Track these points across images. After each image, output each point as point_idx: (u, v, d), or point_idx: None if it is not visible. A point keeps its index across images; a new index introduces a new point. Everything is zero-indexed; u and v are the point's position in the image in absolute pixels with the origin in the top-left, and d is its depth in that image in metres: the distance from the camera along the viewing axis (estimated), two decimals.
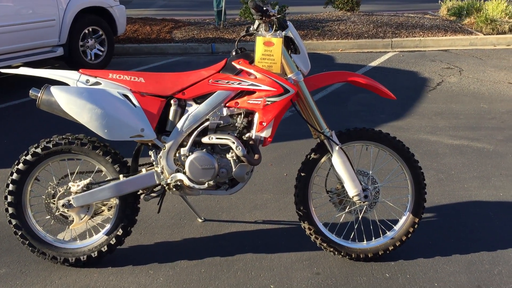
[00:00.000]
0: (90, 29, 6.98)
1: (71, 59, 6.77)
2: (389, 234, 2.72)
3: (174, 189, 2.56)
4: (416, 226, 2.67)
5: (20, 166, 2.57)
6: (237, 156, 2.52)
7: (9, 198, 2.59)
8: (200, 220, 3.14)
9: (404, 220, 2.70)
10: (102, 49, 7.18)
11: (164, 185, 2.58)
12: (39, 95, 2.51)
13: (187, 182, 2.53)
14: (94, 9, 6.98)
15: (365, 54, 7.96)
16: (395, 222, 2.78)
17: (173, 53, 8.37)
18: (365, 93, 5.69)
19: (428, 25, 9.27)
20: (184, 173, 2.54)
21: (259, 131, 2.49)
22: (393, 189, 3.42)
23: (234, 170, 2.52)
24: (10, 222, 2.62)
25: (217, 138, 2.51)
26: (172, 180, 2.55)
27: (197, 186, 2.54)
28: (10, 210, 2.61)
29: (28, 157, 2.57)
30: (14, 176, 2.57)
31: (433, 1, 12.68)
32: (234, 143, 2.48)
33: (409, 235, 2.68)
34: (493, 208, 3.25)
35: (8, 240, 2.92)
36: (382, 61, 7.46)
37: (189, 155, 2.53)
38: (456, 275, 2.59)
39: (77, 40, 6.76)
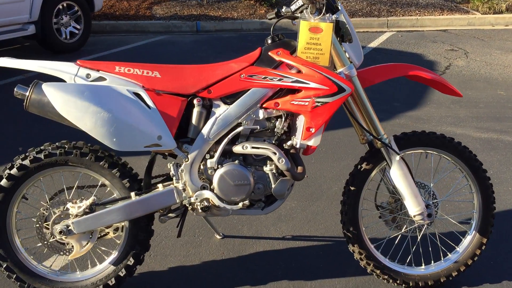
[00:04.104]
0: (65, 5, 6.30)
1: (44, 38, 6.10)
2: (452, 256, 2.31)
3: (200, 210, 2.07)
4: (483, 247, 2.27)
5: (3, 182, 2.03)
6: (277, 169, 2.05)
7: None
8: (218, 237, 2.67)
9: (470, 240, 2.28)
10: (78, 26, 6.51)
11: (187, 205, 2.09)
12: (27, 94, 1.97)
13: (216, 201, 2.05)
14: None
15: (362, 34, 7.50)
16: (457, 241, 2.37)
17: (155, 31, 7.73)
18: None
19: (423, 3, 8.86)
20: (212, 190, 2.06)
21: (306, 138, 2.01)
22: (450, 203, 2.98)
23: (274, 186, 2.04)
24: None
25: (253, 148, 2.02)
26: (197, 199, 2.06)
27: (228, 206, 2.06)
28: None
29: (14, 171, 2.03)
30: None
31: None
32: (275, 154, 2.00)
33: (475, 258, 2.28)
34: None
35: None
36: (381, 41, 7.02)
37: (217, 168, 2.04)
38: None
39: (51, 17, 6.10)
